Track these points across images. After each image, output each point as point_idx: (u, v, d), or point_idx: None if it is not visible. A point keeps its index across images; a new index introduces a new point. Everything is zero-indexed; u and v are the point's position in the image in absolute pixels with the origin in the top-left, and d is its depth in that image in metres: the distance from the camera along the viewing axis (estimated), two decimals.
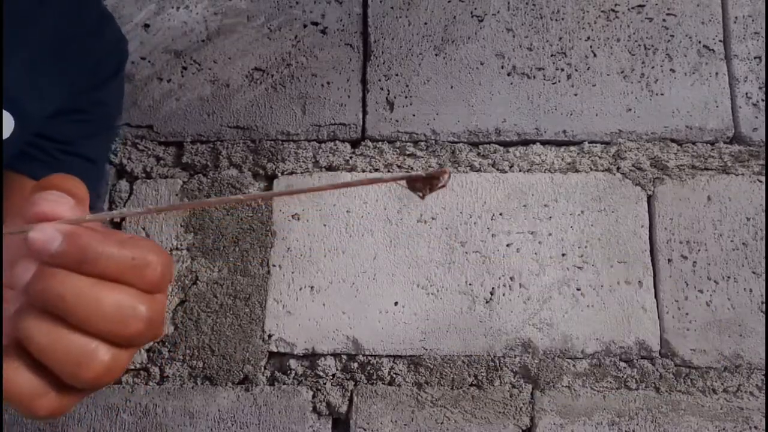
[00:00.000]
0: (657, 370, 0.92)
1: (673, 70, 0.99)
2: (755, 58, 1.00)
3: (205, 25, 1.02)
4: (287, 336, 0.93)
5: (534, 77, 0.99)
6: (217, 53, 1.01)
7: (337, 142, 0.99)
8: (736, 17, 1.01)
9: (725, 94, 0.99)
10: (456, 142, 0.99)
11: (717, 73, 0.99)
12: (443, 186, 0.30)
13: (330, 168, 0.98)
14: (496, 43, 1.00)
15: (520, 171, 0.97)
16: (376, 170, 0.98)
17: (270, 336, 0.93)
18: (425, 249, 0.95)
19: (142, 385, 0.93)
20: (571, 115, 0.98)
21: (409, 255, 0.95)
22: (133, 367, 0.94)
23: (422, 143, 0.98)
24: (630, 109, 0.98)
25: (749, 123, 0.98)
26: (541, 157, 0.98)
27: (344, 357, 0.93)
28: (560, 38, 1.00)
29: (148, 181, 0.99)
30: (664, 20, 1.00)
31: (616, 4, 1.01)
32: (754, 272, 0.94)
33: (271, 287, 0.95)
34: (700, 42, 1.00)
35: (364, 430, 0.91)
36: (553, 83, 0.99)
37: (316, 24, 1.02)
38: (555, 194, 0.96)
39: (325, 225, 0.96)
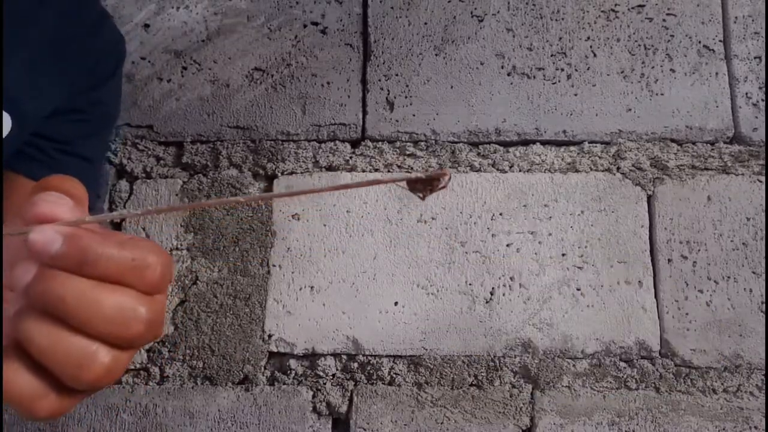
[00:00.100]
0: (657, 370, 0.92)
1: (673, 70, 0.99)
2: (755, 58, 1.00)
3: (205, 25, 1.02)
4: (287, 336, 0.93)
5: (534, 77, 0.99)
6: (217, 53, 1.01)
7: (337, 142, 0.99)
8: (736, 17, 1.01)
9: (725, 94, 0.99)
10: (456, 142, 0.98)
11: (717, 73, 0.99)
12: (443, 187, 0.30)
13: (330, 168, 0.98)
14: (496, 43, 1.00)
15: (520, 171, 0.97)
16: (376, 170, 0.98)
17: (270, 336, 0.93)
18: (425, 249, 0.95)
19: (142, 385, 0.93)
20: (571, 115, 0.98)
21: (409, 255, 0.95)
22: (133, 367, 0.94)
23: (422, 143, 0.98)
24: (630, 109, 0.98)
25: (749, 123, 0.98)
26: (541, 157, 0.98)
27: (344, 357, 0.93)
28: (560, 38, 1.00)
29: (148, 181, 0.99)
30: (664, 20, 1.00)
31: (616, 4, 1.01)
32: (754, 272, 0.94)
33: (271, 287, 0.95)
34: (700, 42, 1.00)
35: (364, 430, 0.91)
36: (553, 83, 0.99)
37: (316, 24, 1.01)
38: (555, 194, 0.96)
39: (325, 225, 0.96)
